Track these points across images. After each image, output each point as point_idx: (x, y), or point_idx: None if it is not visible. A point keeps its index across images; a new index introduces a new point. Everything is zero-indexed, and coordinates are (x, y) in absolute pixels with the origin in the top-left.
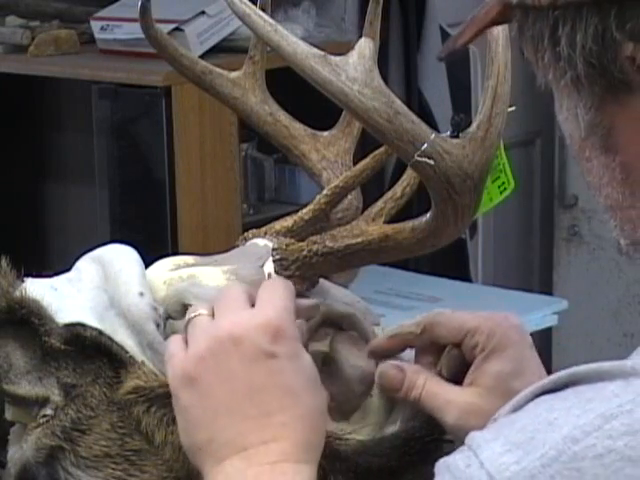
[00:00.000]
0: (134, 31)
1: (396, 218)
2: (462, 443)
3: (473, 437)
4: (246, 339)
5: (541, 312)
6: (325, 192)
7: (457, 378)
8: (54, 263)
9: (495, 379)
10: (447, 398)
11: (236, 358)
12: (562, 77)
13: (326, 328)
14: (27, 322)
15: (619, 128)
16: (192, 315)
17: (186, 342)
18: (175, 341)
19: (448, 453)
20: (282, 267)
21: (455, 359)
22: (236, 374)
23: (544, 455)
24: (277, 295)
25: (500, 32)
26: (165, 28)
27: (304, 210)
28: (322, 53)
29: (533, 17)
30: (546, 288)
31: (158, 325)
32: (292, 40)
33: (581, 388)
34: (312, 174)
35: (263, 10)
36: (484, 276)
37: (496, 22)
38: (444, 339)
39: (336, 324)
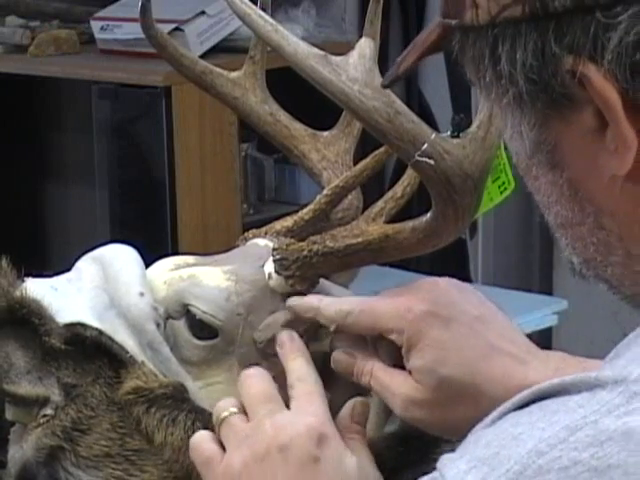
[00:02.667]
0: (134, 31)
1: (396, 218)
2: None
3: (442, 459)
4: (291, 445)
5: (541, 312)
6: (325, 192)
7: (400, 362)
8: (54, 263)
9: (420, 374)
10: (391, 390)
11: (282, 463)
12: (504, 95)
13: (326, 328)
14: (27, 322)
15: (564, 144)
16: (224, 415)
17: (218, 442)
18: (206, 441)
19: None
20: (282, 267)
21: (389, 346)
22: (282, 479)
23: (509, 470)
24: (313, 397)
25: None
26: (165, 28)
27: (304, 210)
28: (322, 53)
29: (473, 37)
30: (546, 288)
31: (158, 325)
32: (292, 40)
33: (546, 402)
34: (312, 174)
35: (263, 10)
36: (484, 276)
37: (437, 45)
38: (363, 334)
39: None
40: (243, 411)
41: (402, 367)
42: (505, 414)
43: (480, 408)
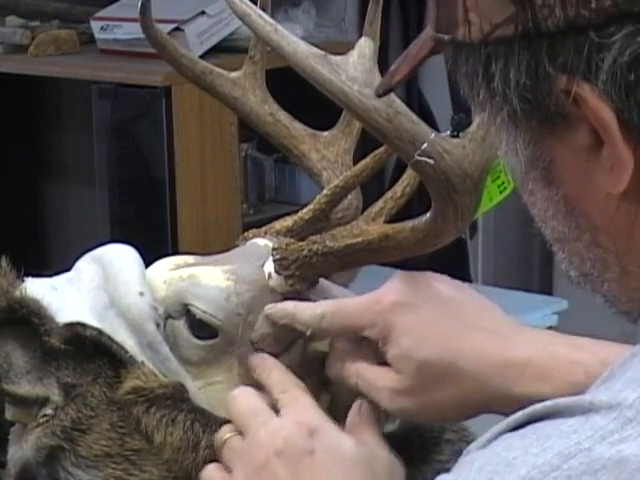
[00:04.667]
0: (134, 31)
1: (396, 218)
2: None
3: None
4: (286, 447)
5: (541, 312)
6: (325, 192)
7: (382, 359)
8: (54, 263)
9: (398, 363)
10: (376, 385)
11: (282, 467)
12: (499, 113)
13: None
14: (27, 322)
15: (559, 161)
16: (223, 440)
17: (225, 468)
18: (213, 471)
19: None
20: (282, 267)
21: (370, 346)
22: None
23: None
24: (300, 399)
25: None
26: (165, 28)
27: (304, 210)
28: (322, 53)
29: (466, 54)
30: (546, 288)
31: (158, 325)
32: (292, 40)
33: (540, 424)
34: (312, 174)
35: (263, 10)
36: (484, 276)
37: (429, 57)
38: (340, 335)
39: None
40: (239, 432)
41: (386, 364)
42: (500, 435)
43: (463, 388)
